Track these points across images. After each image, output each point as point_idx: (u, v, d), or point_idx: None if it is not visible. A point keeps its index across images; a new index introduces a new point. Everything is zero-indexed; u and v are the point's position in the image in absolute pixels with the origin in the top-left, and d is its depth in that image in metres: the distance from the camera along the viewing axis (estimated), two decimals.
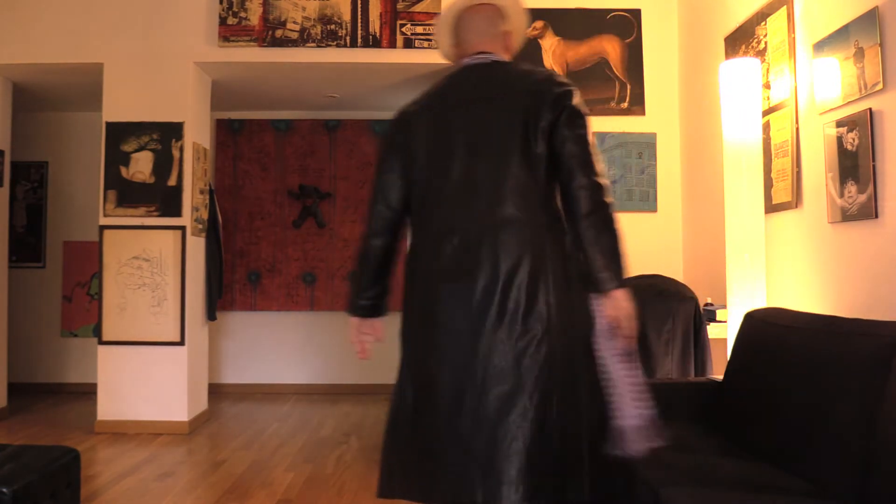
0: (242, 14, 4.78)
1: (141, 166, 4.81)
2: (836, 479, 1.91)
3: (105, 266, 4.79)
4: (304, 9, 4.78)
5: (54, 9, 4.83)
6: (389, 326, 2.16)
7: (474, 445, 1.82)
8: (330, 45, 4.79)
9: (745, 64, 3.14)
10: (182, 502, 3.34)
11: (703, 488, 1.83)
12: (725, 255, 3.13)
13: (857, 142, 2.66)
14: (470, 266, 1.86)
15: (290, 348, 6.41)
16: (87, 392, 5.61)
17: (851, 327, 2.09)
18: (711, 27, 4.22)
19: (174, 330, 4.77)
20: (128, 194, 4.80)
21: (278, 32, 4.78)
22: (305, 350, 6.40)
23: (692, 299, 3.39)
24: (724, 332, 3.45)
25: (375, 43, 4.77)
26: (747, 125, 3.09)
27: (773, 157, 3.33)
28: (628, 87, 4.82)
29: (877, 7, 2.56)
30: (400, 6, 4.78)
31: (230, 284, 6.28)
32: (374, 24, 4.77)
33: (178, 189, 4.81)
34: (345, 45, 4.78)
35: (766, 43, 3.42)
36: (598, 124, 4.79)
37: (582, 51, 4.83)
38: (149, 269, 4.78)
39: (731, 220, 3.10)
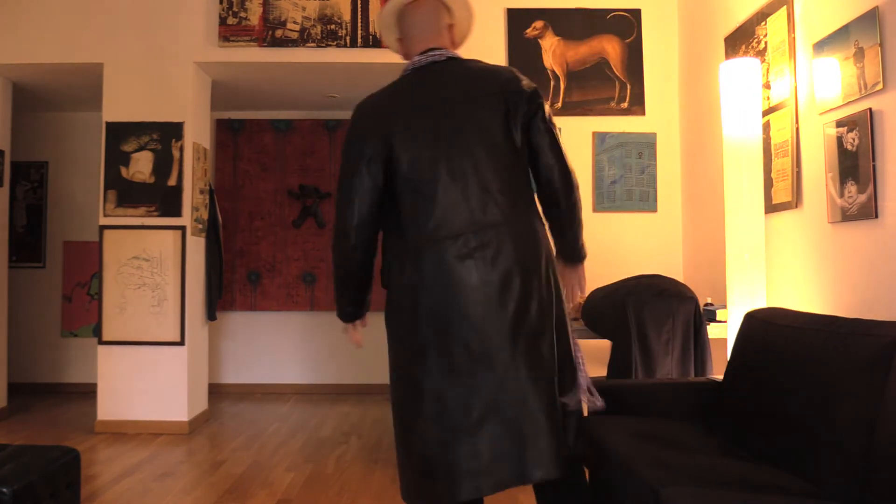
0: (242, 14, 4.78)
1: (141, 166, 4.81)
2: (836, 479, 1.91)
3: (105, 266, 4.79)
4: (304, 9, 4.78)
5: (54, 9, 4.83)
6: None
7: (521, 426, 1.93)
8: (330, 45, 4.79)
9: (745, 64, 3.14)
10: (182, 502, 3.34)
11: (703, 488, 1.83)
12: (725, 255, 3.13)
13: (857, 142, 2.66)
14: (485, 263, 1.95)
15: (290, 348, 6.41)
16: (87, 392, 5.61)
17: (851, 327, 2.09)
18: (711, 27, 4.22)
19: (174, 330, 4.77)
20: (128, 194, 4.80)
21: (278, 32, 4.78)
22: (305, 350, 6.40)
23: (692, 299, 3.39)
24: (724, 332, 3.45)
25: (375, 43, 4.77)
26: (747, 125, 3.09)
27: (773, 157, 3.33)
28: (628, 87, 4.82)
29: (877, 7, 2.56)
30: None
31: (230, 284, 6.28)
32: (375, 24, 4.77)
33: (178, 189, 4.81)
34: (345, 45, 4.79)
35: (766, 43, 3.42)
36: (598, 124, 4.81)
37: (582, 51, 4.83)
38: (149, 269, 4.79)
39: (731, 220, 3.10)
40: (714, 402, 2.70)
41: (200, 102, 5.08)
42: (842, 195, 2.77)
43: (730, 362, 2.70)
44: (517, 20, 4.84)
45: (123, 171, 4.82)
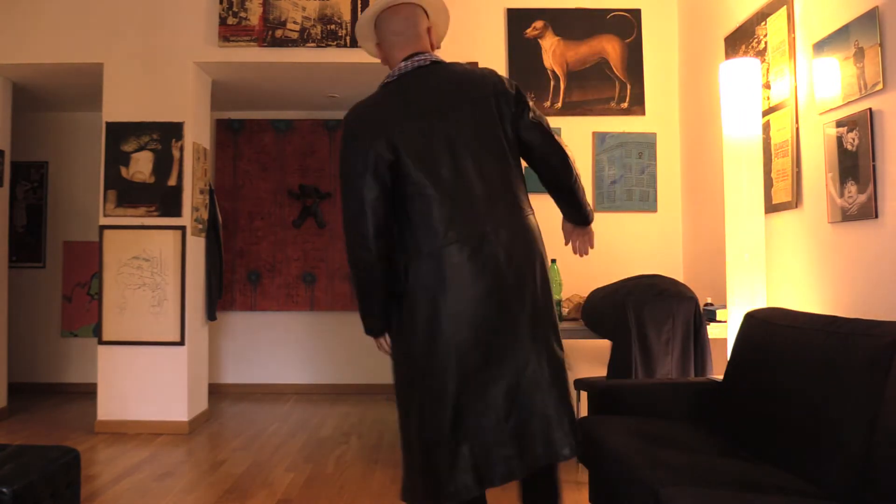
0: (242, 14, 4.78)
1: (141, 166, 4.81)
2: (836, 479, 1.91)
3: (105, 266, 4.79)
4: (304, 9, 4.78)
5: (54, 9, 4.83)
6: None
7: (543, 411, 2.04)
8: (330, 45, 4.79)
9: (745, 64, 3.14)
10: (182, 502, 3.34)
11: (703, 488, 1.83)
12: (725, 255, 3.13)
13: (857, 142, 2.66)
14: (498, 260, 2.02)
15: (290, 348, 6.41)
16: (87, 392, 5.61)
17: (851, 327, 2.09)
18: (711, 27, 4.22)
19: (174, 330, 4.77)
20: (128, 194, 4.80)
21: (278, 32, 4.78)
22: (305, 350, 6.40)
23: (692, 299, 3.39)
24: (724, 332, 3.45)
25: None
26: (747, 125, 3.09)
27: (773, 157, 3.33)
28: (628, 87, 4.82)
29: (877, 7, 2.56)
30: None
31: (230, 284, 6.28)
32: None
33: (178, 189, 4.81)
34: (345, 45, 4.78)
35: (766, 43, 3.42)
36: (598, 124, 4.80)
37: (582, 51, 4.83)
38: (149, 269, 4.79)
39: (731, 220, 3.09)
40: (714, 402, 2.70)
41: (200, 102, 5.08)
42: (842, 195, 2.78)
43: (730, 362, 2.70)
44: (517, 20, 4.84)
45: (123, 171, 4.82)
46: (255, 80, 5.38)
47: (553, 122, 4.73)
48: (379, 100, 2.14)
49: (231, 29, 4.78)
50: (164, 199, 4.80)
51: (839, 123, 2.78)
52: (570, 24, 4.83)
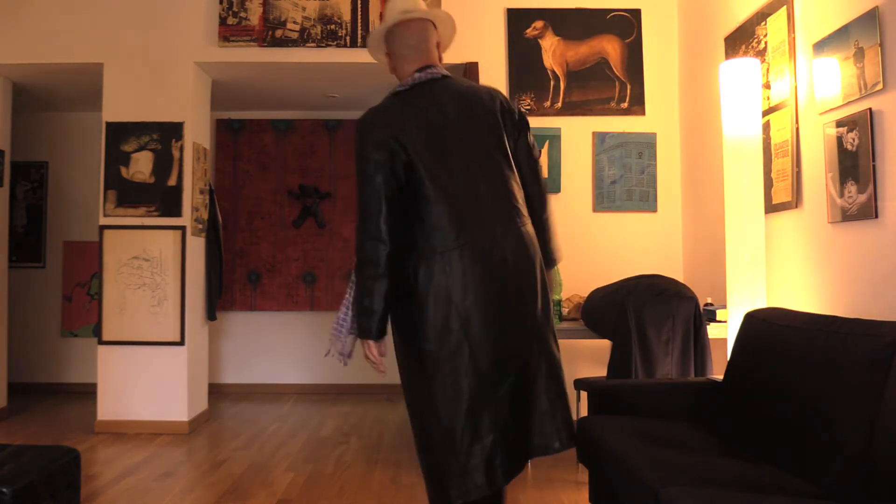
0: (242, 14, 4.78)
1: (141, 166, 4.81)
2: (836, 479, 1.91)
3: (105, 266, 4.79)
4: (304, 9, 4.78)
5: (54, 9, 4.83)
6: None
7: (553, 404, 2.18)
8: (330, 45, 4.79)
9: (745, 64, 3.14)
10: (182, 502, 3.34)
11: (703, 488, 1.83)
12: (725, 255, 3.13)
13: (857, 142, 2.66)
14: (505, 264, 2.12)
15: (290, 348, 6.41)
16: (87, 392, 5.61)
17: (851, 327, 2.09)
18: (711, 27, 4.22)
19: (174, 330, 4.77)
20: (128, 194, 4.80)
21: (278, 32, 4.78)
22: (305, 350, 6.40)
23: (692, 299, 3.39)
24: (724, 332, 3.45)
25: None
26: (747, 125, 3.09)
27: (773, 156, 3.33)
28: (628, 87, 4.82)
29: (877, 7, 2.56)
30: None
31: (230, 284, 6.28)
32: (374, 24, 4.77)
33: (178, 189, 4.81)
34: (345, 45, 4.78)
35: (766, 43, 3.42)
36: (598, 124, 4.81)
37: (582, 51, 4.83)
38: (149, 269, 4.78)
39: (731, 220, 3.09)
40: (714, 402, 2.70)
41: (200, 102, 5.08)
42: (842, 195, 2.78)
43: (730, 362, 2.70)
44: (517, 20, 4.84)
45: (123, 171, 4.82)
46: (255, 80, 5.38)
47: (553, 122, 4.80)
48: (393, 105, 2.22)
49: (231, 29, 4.78)
50: (164, 199, 4.80)
51: (839, 123, 2.78)
52: (570, 24, 4.83)
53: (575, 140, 4.79)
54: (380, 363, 2.21)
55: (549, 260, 2.35)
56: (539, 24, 4.82)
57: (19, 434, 4.70)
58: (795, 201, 3.16)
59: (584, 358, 4.70)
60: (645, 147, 4.78)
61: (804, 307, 3.01)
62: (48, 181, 6.42)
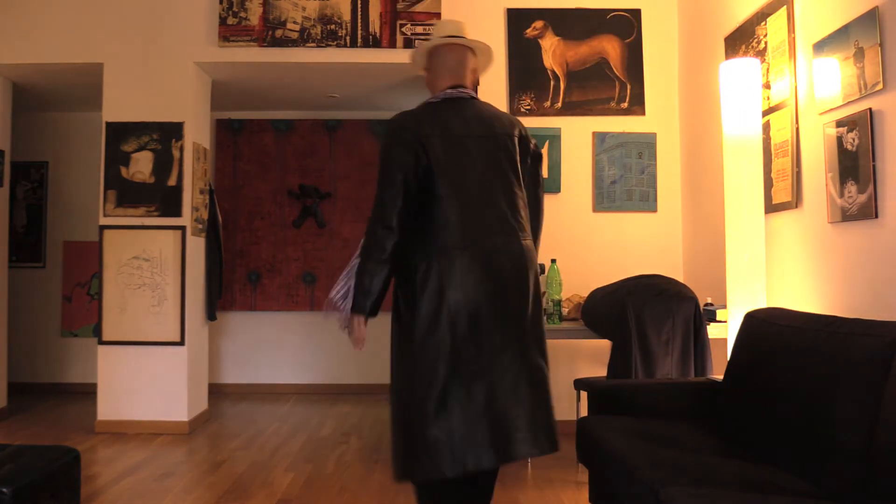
0: (242, 14, 4.78)
1: (141, 166, 4.81)
2: (836, 479, 1.91)
3: (105, 266, 4.79)
4: (304, 9, 4.78)
5: (54, 9, 4.83)
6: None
7: (531, 410, 2.29)
8: (330, 45, 4.79)
9: (745, 64, 3.14)
10: (182, 502, 3.34)
11: (703, 488, 1.83)
12: (725, 255, 3.13)
13: (857, 142, 2.66)
14: (503, 270, 2.31)
15: (290, 348, 6.41)
16: (87, 392, 5.61)
17: (851, 327, 2.09)
18: (711, 27, 4.22)
19: (174, 330, 4.77)
20: (128, 194, 4.80)
21: (278, 32, 4.78)
22: (305, 350, 6.40)
23: (692, 299, 3.39)
24: (724, 332, 3.45)
25: (375, 43, 4.77)
26: (747, 125, 3.09)
27: (773, 156, 3.33)
28: (628, 87, 4.82)
29: (877, 7, 2.56)
30: (400, 6, 4.78)
31: (230, 284, 6.28)
32: (374, 24, 4.77)
33: (178, 189, 4.81)
34: (345, 45, 4.79)
35: (766, 43, 3.42)
36: (598, 124, 4.81)
37: (582, 51, 4.83)
38: (149, 269, 4.79)
39: (731, 220, 3.10)
40: (714, 402, 2.70)
41: (200, 102, 5.08)
42: (842, 195, 2.78)
43: (730, 362, 2.70)
44: (517, 20, 4.84)
45: (123, 171, 4.82)
46: (255, 80, 5.38)
47: (553, 122, 4.80)
48: (423, 112, 2.44)
49: (231, 29, 4.78)
50: (164, 199, 4.80)
51: (839, 123, 2.78)
52: (570, 24, 4.83)
53: (575, 140, 4.79)
54: (360, 340, 2.35)
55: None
56: (539, 24, 4.82)
57: (19, 434, 4.70)
58: (795, 201, 3.16)
59: (584, 358, 4.70)
60: (645, 147, 4.78)
61: (804, 307, 3.01)
62: (48, 181, 6.42)
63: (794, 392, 2.18)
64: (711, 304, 3.68)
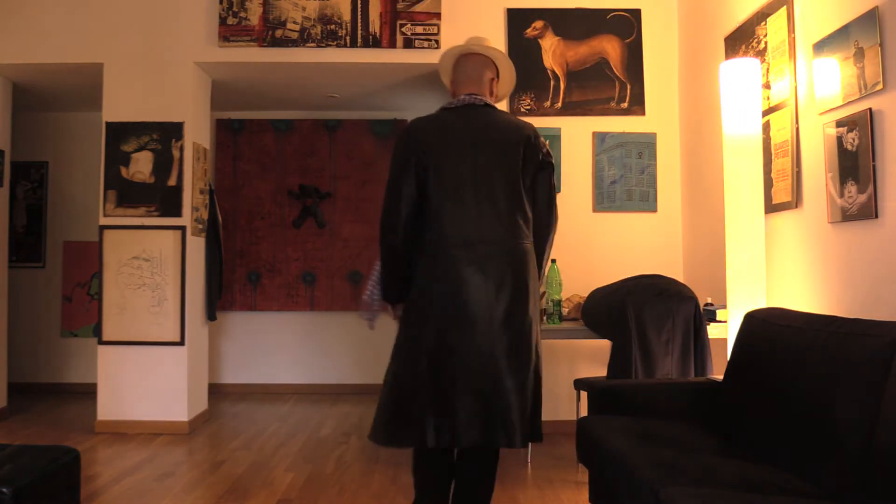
0: (242, 14, 4.78)
1: (141, 166, 4.81)
2: (836, 479, 1.91)
3: (105, 266, 4.79)
4: (304, 9, 4.78)
5: (54, 9, 4.83)
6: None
7: (493, 400, 2.38)
8: (330, 45, 4.79)
9: (745, 64, 3.14)
10: (182, 502, 3.34)
11: (703, 488, 1.83)
12: (725, 255, 3.13)
13: (857, 142, 2.66)
14: (488, 268, 2.41)
15: (290, 348, 6.41)
16: (87, 392, 5.61)
17: (851, 327, 2.09)
18: (711, 27, 4.22)
19: (174, 330, 4.77)
20: (128, 194, 4.80)
21: (278, 32, 4.78)
22: (305, 350, 6.40)
23: (692, 299, 3.39)
24: (724, 332, 3.45)
25: (375, 43, 4.77)
26: (747, 125, 3.09)
27: (773, 156, 3.33)
28: (628, 87, 4.82)
29: (877, 7, 2.56)
30: (400, 6, 4.78)
31: (230, 284, 6.28)
32: (374, 24, 4.77)
33: (178, 189, 4.81)
34: (345, 45, 4.78)
35: (766, 43, 3.42)
36: (598, 124, 4.81)
37: (582, 51, 4.83)
38: (149, 269, 4.79)
39: (731, 220, 3.10)
40: (714, 402, 2.70)
41: (200, 102, 5.08)
42: (842, 195, 2.78)
43: (730, 362, 2.70)
44: (517, 20, 4.84)
45: (123, 171, 4.82)
46: (255, 80, 5.38)
47: (553, 122, 4.80)
48: (436, 119, 2.58)
49: (231, 29, 4.78)
50: (164, 199, 4.80)
51: (839, 123, 2.78)
52: (570, 24, 4.83)
53: (575, 140, 4.79)
54: (397, 316, 2.60)
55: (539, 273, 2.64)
56: (539, 24, 4.82)
57: (19, 434, 4.70)
58: (795, 201, 3.16)
59: (584, 358, 4.70)
60: (645, 147, 4.79)
61: (804, 307, 3.01)
62: (48, 181, 6.42)
63: (794, 392, 2.18)
64: (711, 304, 3.68)
